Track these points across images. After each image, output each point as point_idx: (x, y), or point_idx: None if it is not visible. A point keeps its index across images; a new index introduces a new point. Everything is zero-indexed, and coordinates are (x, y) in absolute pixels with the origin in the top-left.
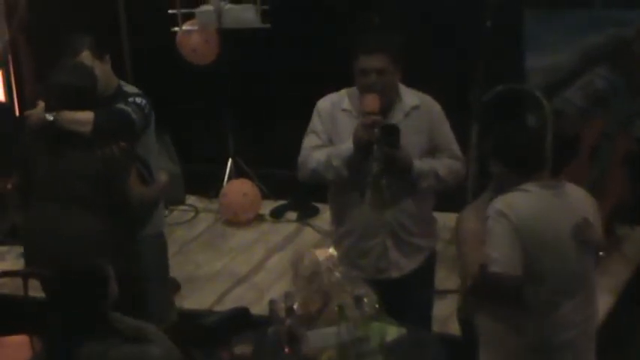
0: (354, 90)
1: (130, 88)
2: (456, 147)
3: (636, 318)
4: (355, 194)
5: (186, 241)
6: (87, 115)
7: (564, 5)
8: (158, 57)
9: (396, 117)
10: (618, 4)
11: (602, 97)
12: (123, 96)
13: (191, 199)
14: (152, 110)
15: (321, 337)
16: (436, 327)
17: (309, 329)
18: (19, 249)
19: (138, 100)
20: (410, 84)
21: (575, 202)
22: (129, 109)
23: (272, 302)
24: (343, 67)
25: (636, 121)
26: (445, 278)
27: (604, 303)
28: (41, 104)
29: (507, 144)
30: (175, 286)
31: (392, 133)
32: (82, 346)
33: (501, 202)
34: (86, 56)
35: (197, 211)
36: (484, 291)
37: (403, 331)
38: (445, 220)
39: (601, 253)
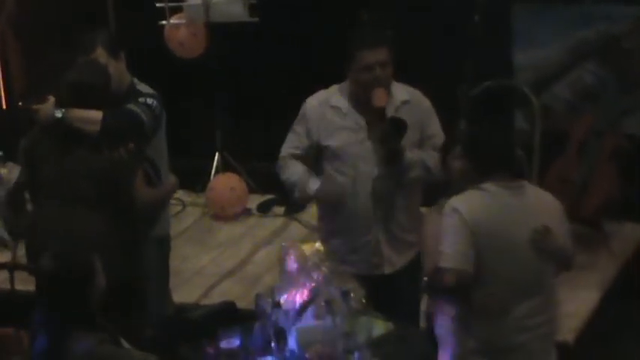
0: (344, 86)
1: (143, 87)
2: (440, 140)
3: (623, 313)
4: (347, 187)
5: (174, 235)
6: (96, 114)
7: (553, 1)
8: (146, 50)
9: (388, 111)
10: (608, 0)
11: (591, 93)
12: (135, 95)
13: (178, 193)
14: (163, 111)
15: (308, 331)
16: (422, 322)
17: (295, 324)
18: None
19: (149, 100)
20: (398, 79)
21: (536, 205)
22: (139, 110)
23: (259, 296)
24: (331, 62)
25: (625, 118)
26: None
27: (591, 299)
28: (51, 100)
29: (473, 140)
30: None
31: (400, 126)
32: (68, 340)
33: (456, 200)
34: (100, 54)
35: (184, 205)
36: (436, 288)
37: (390, 325)
38: None
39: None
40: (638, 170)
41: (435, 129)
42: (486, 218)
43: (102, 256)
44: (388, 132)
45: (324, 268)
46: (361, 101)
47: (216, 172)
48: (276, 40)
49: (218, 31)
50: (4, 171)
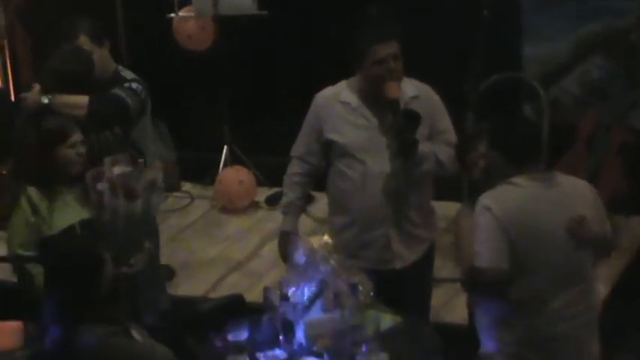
0: (352, 81)
1: (127, 74)
2: (453, 136)
3: (631, 308)
4: (357, 183)
5: (182, 227)
6: (82, 99)
7: None
8: (154, 43)
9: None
10: None
11: (599, 87)
12: (120, 81)
13: (186, 186)
14: (148, 96)
15: (316, 325)
16: (431, 315)
17: (303, 317)
18: None
19: (134, 85)
20: (406, 73)
21: (569, 195)
22: (124, 94)
23: (267, 289)
24: (339, 57)
25: (633, 112)
26: (440, 267)
27: (600, 293)
28: (37, 87)
29: (505, 133)
30: (170, 273)
31: (414, 118)
32: (79, 332)
33: (487, 197)
34: (84, 41)
35: (192, 198)
36: (473, 286)
37: (398, 319)
38: (441, 208)
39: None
40: None
41: (446, 124)
42: (519, 213)
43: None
44: (402, 124)
45: (332, 261)
46: (371, 97)
47: (225, 165)
48: (284, 33)
49: (226, 24)
50: None
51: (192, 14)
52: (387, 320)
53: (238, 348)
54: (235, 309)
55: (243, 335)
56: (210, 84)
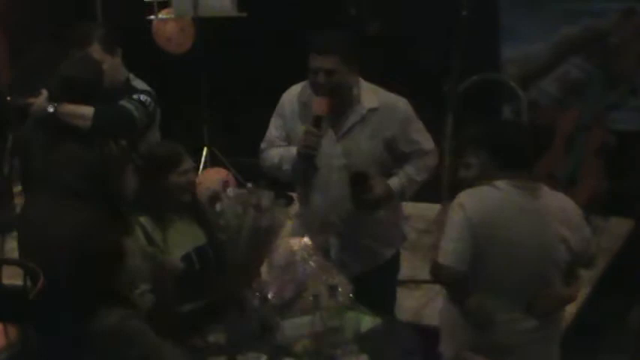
0: None
1: (138, 83)
2: (426, 142)
3: (611, 308)
4: (304, 187)
5: None
6: (87, 110)
7: None
8: (134, 45)
9: (351, 120)
10: None
11: (578, 88)
12: (129, 91)
13: None
14: (157, 108)
15: (296, 326)
16: (410, 317)
17: (283, 318)
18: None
19: (143, 97)
20: (385, 75)
21: (550, 209)
22: (131, 106)
23: (246, 291)
24: None
25: (611, 112)
26: (419, 268)
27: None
28: (44, 93)
29: (495, 136)
30: None
31: (359, 181)
32: (94, 316)
33: (465, 195)
34: (96, 49)
35: None
36: (434, 281)
37: (378, 320)
38: (419, 210)
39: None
40: (623, 165)
41: (418, 134)
42: (492, 216)
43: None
44: (352, 190)
45: (311, 263)
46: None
47: (204, 166)
48: (263, 35)
49: (206, 26)
50: None
51: (172, 16)
52: (367, 322)
53: (218, 349)
54: (215, 310)
55: (222, 337)
56: (189, 86)
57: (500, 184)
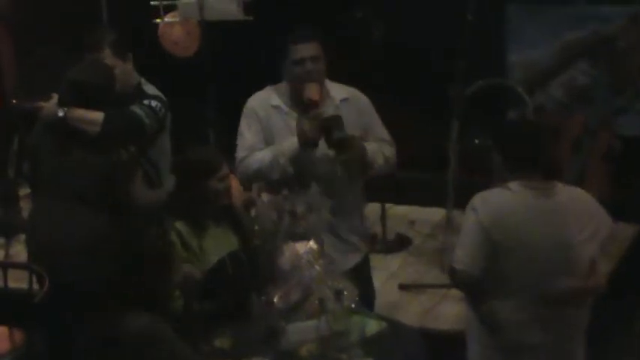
0: (280, 86)
1: (149, 88)
2: (387, 134)
3: (617, 314)
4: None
5: None
6: (97, 116)
7: (546, 1)
8: (139, 49)
9: (328, 109)
10: (601, 1)
11: (584, 93)
12: (140, 96)
13: None
14: (168, 113)
15: (301, 330)
16: (415, 321)
17: (288, 322)
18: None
19: (153, 103)
20: (390, 80)
21: (565, 208)
22: (142, 112)
23: (252, 295)
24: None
25: (617, 118)
26: (424, 272)
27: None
28: (55, 97)
29: (507, 138)
30: None
31: (336, 121)
32: (124, 318)
33: (478, 197)
34: (107, 54)
35: None
36: (452, 285)
37: (383, 324)
38: (424, 214)
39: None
40: (629, 170)
41: (380, 125)
42: (505, 218)
43: (99, 255)
44: (326, 130)
45: (317, 267)
46: (297, 99)
47: None
48: (270, 39)
49: (212, 30)
50: None
51: (178, 20)
52: (372, 326)
53: (223, 354)
54: (220, 315)
55: (228, 341)
56: (195, 90)
57: (512, 185)
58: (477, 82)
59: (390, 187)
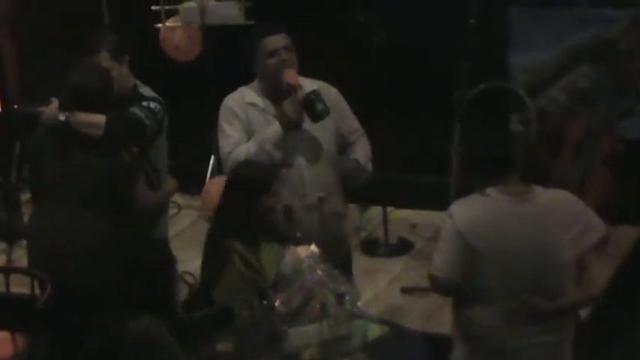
0: (253, 85)
1: (145, 90)
2: (358, 124)
3: (618, 317)
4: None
5: (169, 237)
6: (98, 118)
7: (549, 4)
8: (141, 53)
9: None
10: (604, 4)
11: (586, 96)
12: (138, 99)
13: (174, 196)
14: (165, 115)
15: (303, 334)
16: (417, 325)
17: (290, 327)
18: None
19: (152, 105)
20: (391, 82)
21: (545, 212)
22: (142, 114)
23: (254, 299)
24: (326, 64)
25: (620, 121)
26: (426, 276)
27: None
28: (55, 102)
29: (478, 145)
30: None
31: (316, 94)
32: (127, 319)
33: (455, 204)
34: (104, 57)
35: (180, 208)
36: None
37: (385, 328)
38: (426, 217)
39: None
40: (632, 173)
41: (351, 117)
42: (481, 224)
43: (102, 257)
44: (307, 102)
45: (319, 271)
46: (274, 94)
47: (212, 174)
48: None
49: (213, 34)
50: None
51: (179, 24)
52: (374, 330)
53: (226, 358)
54: (223, 319)
55: (230, 345)
56: (197, 94)
57: (490, 191)
58: (479, 85)
59: (391, 191)
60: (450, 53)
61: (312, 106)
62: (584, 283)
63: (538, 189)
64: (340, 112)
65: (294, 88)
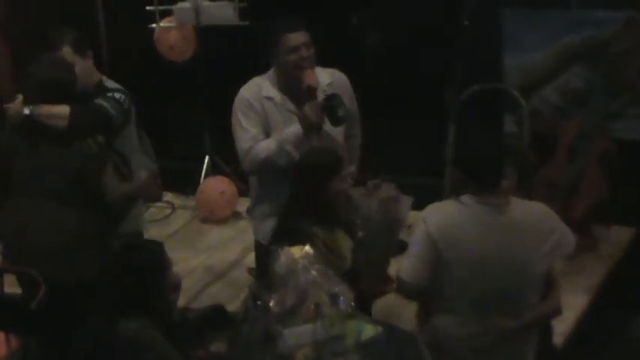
0: (268, 76)
1: (111, 84)
2: (358, 115)
3: (611, 318)
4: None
5: (163, 238)
6: (62, 110)
7: (541, 5)
8: (136, 54)
9: (317, 95)
10: (595, 5)
11: (579, 97)
12: (103, 92)
13: (168, 196)
14: (132, 106)
15: (297, 334)
16: (412, 326)
17: (284, 327)
18: None
19: (117, 95)
20: (386, 84)
21: (518, 226)
22: (107, 104)
23: (247, 299)
24: (321, 65)
25: (613, 121)
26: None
27: (580, 303)
28: (20, 97)
29: (466, 151)
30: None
31: (337, 99)
32: (119, 321)
33: (429, 209)
34: (67, 52)
35: (174, 208)
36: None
37: (379, 329)
38: None
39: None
40: (625, 174)
41: (355, 107)
42: (453, 232)
43: (77, 252)
44: (326, 107)
45: (313, 271)
46: (291, 88)
47: (206, 175)
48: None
49: (208, 35)
50: None
51: (174, 25)
52: (368, 330)
53: (219, 359)
54: (217, 320)
55: (224, 346)
56: (192, 94)
57: (464, 198)
58: (473, 86)
59: None
60: (444, 55)
61: (334, 112)
62: (550, 296)
63: (514, 200)
64: (349, 100)
65: (314, 90)
